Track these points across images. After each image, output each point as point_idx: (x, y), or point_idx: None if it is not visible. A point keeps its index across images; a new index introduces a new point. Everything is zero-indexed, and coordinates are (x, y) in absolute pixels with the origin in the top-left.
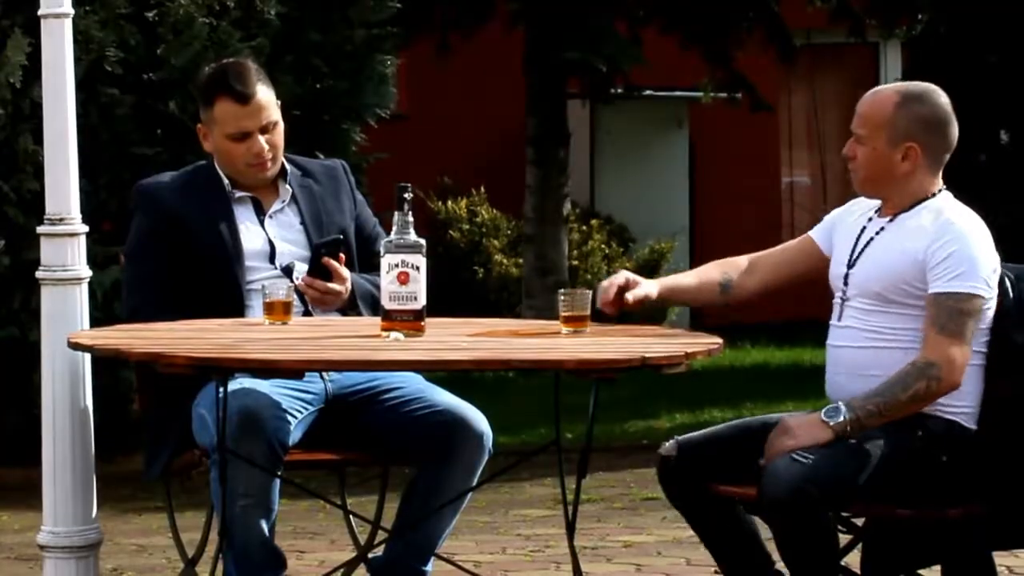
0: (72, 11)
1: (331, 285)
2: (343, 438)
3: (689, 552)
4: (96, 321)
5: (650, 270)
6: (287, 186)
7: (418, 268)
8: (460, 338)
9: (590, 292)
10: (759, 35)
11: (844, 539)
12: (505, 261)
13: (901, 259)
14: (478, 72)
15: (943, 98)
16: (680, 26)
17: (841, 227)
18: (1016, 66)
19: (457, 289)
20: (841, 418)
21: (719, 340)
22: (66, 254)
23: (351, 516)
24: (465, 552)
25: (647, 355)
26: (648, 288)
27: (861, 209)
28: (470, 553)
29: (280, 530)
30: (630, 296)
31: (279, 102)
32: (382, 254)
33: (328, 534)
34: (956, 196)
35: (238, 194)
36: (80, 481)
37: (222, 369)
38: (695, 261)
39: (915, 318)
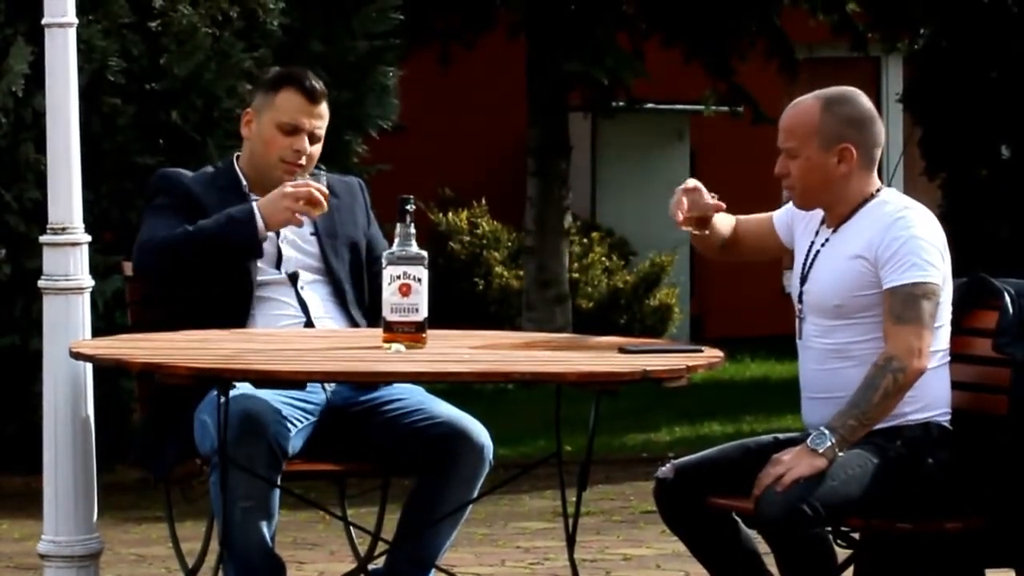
0: (75, 20)
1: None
2: (344, 449)
3: (688, 565)
4: (98, 331)
5: (649, 284)
6: None
7: (420, 280)
8: (462, 350)
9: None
10: (761, 48)
11: (844, 554)
12: (506, 273)
13: (850, 268)
14: (479, 84)
15: (863, 98)
16: (682, 39)
17: (798, 228)
18: (1017, 81)
19: (457, 301)
20: (828, 443)
21: (720, 353)
22: (68, 263)
23: (351, 527)
24: (464, 564)
25: (648, 368)
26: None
27: (813, 214)
28: (470, 565)
29: (280, 540)
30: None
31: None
32: (384, 265)
33: (328, 545)
34: (957, 210)
35: (254, 197)
36: (81, 490)
37: (223, 379)
38: (695, 274)
39: (876, 326)
